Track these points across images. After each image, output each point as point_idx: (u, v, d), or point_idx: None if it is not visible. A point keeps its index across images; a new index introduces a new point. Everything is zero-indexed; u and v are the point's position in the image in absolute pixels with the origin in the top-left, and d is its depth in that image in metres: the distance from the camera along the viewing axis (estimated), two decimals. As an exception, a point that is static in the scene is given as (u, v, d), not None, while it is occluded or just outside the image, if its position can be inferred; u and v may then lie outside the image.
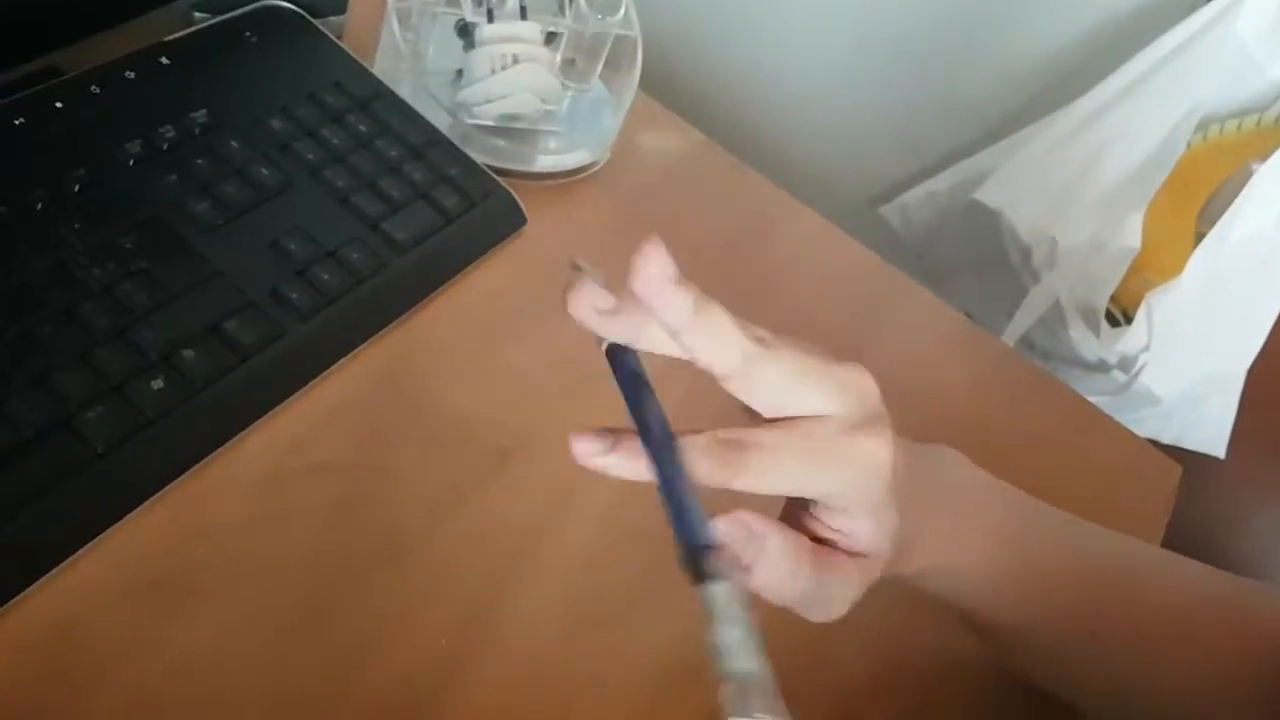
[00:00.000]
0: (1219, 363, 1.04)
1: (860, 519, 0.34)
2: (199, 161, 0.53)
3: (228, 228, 0.51)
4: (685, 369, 0.32)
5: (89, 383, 0.43)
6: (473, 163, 0.61)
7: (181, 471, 0.44)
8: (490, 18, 0.61)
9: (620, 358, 0.33)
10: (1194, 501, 0.68)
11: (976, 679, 0.51)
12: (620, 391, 0.32)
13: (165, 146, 0.53)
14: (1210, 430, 1.07)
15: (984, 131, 1.17)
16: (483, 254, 0.58)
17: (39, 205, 0.48)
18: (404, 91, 0.62)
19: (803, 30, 1.21)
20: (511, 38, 0.61)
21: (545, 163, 0.64)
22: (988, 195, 1.10)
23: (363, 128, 0.59)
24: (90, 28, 0.55)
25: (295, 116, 0.57)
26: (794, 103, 1.25)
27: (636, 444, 0.31)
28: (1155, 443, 0.69)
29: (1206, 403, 1.06)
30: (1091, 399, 0.71)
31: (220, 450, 0.45)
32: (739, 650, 0.28)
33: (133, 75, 0.55)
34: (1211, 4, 1.02)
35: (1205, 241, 0.99)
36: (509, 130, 0.63)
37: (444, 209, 0.57)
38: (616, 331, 0.32)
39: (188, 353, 0.46)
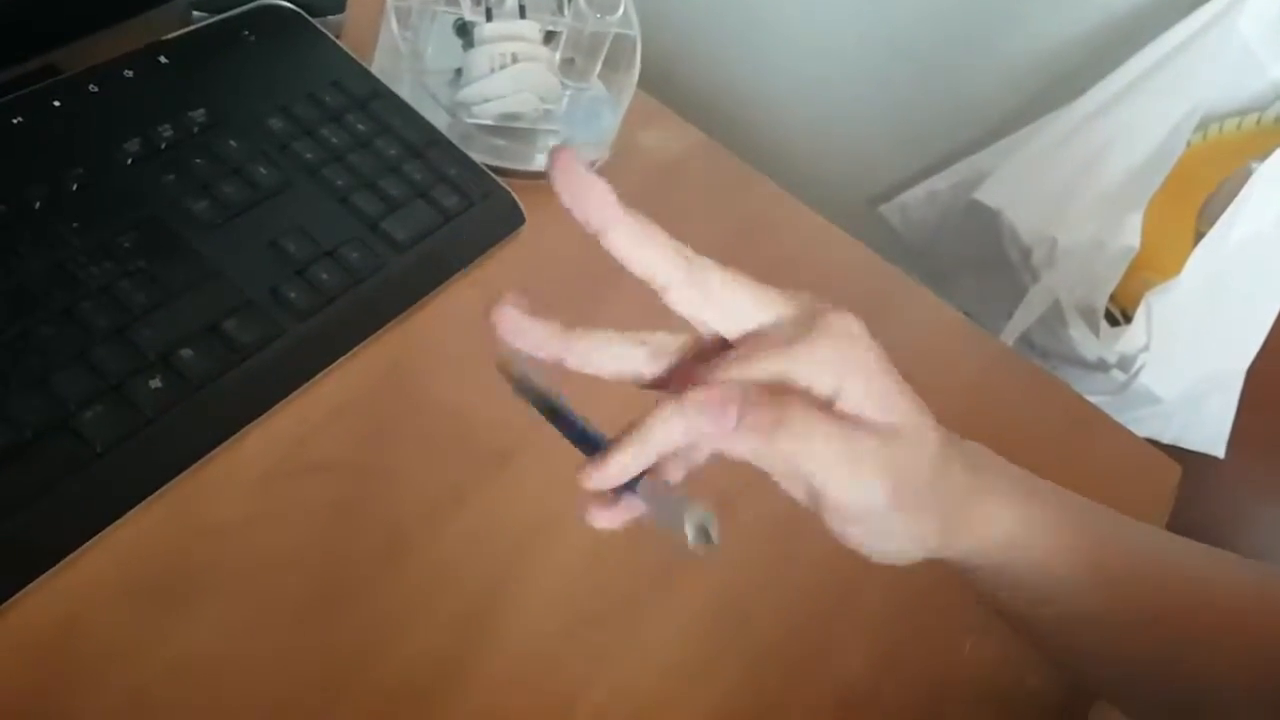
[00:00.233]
0: (1218, 362, 1.04)
1: (865, 390, 0.33)
2: (197, 161, 0.53)
3: (226, 227, 0.51)
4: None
5: (88, 382, 0.43)
6: (472, 162, 0.60)
7: (180, 471, 0.44)
8: (489, 16, 0.61)
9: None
10: (1194, 501, 0.68)
11: (977, 679, 0.51)
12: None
13: (164, 146, 0.53)
14: (1210, 430, 1.07)
15: (984, 131, 1.17)
16: (482, 253, 0.58)
17: (37, 204, 0.48)
18: (403, 91, 0.62)
19: (803, 29, 1.21)
20: (510, 36, 0.61)
21: (544, 162, 0.64)
22: (988, 195, 1.10)
23: (362, 127, 0.58)
24: (89, 27, 0.55)
25: (294, 116, 0.57)
26: (794, 102, 1.25)
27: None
28: (1155, 442, 0.69)
29: (1206, 402, 1.06)
30: (1091, 398, 0.71)
31: (219, 449, 0.45)
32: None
33: (131, 74, 0.55)
34: (1212, 2, 1.02)
35: (1205, 241, 0.99)
36: (508, 129, 0.63)
37: (443, 208, 0.57)
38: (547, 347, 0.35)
39: (186, 352, 0.46)
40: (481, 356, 0.55)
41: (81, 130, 0.52)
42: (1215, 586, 0.42)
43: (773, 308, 0.33)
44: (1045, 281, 1.06)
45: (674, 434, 0.32)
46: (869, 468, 0.33)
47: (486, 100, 0.62)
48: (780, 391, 0.32)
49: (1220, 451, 1.07)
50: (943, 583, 0.41)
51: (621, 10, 0.65)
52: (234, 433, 0.46)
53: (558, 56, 0.65)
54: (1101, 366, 1.03)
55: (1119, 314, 1.06)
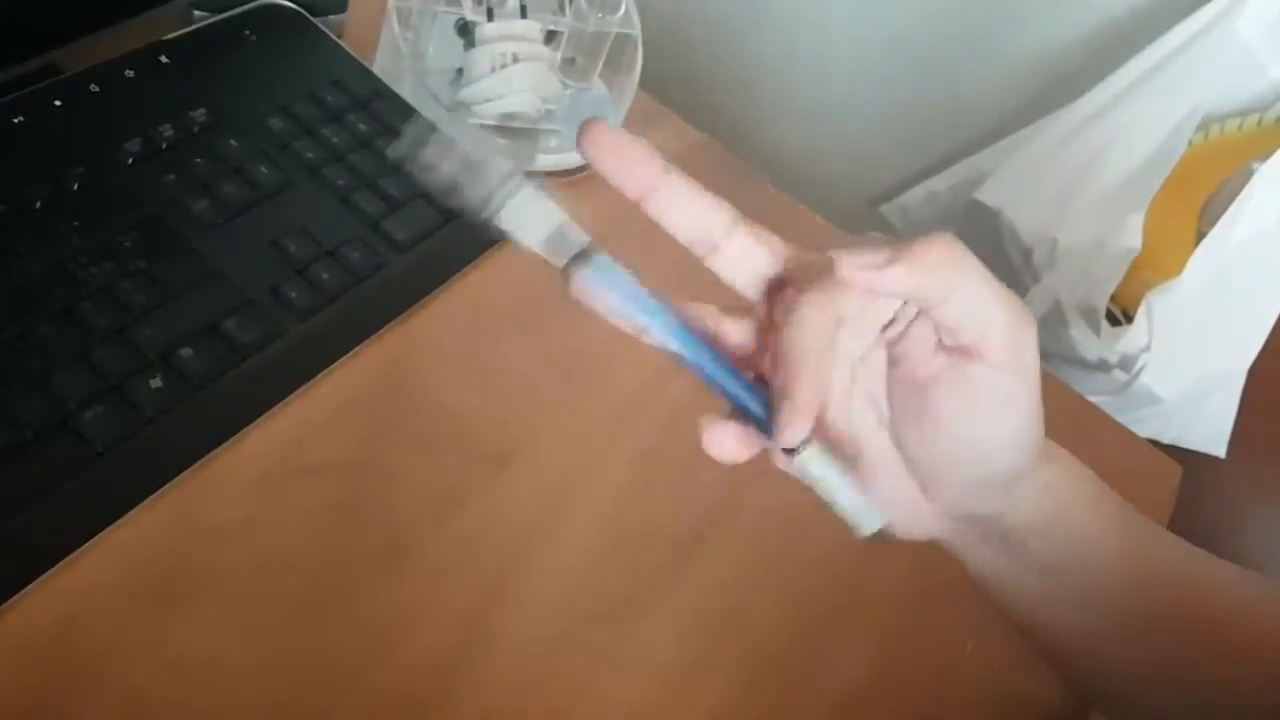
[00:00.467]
0: (1220, 362, 1.04)
1: (957, 308, 0.30)
2: (198, 160, 0.53)
3: (227, 227, 0.51)
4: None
5: (88, 382, 0.43)
6: (472, 162, 0.60)
7: (180, 471, 0.44)
8: (490, 16, 0.61)
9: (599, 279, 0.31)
10: (1194, 501, 0.67)
11: (977, 679, 0.51)
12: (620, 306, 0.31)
13: (164, 145, 0.53)
14: (1211, 430, 1.07)
15: (984, 131, 1.17)
16: (482, 253, 0.58)
17: (38, 204, 0.48)
18: (404, 90, 0.62)
19: (803, 30, 1.21)
20: (511, 36, 0.61)
21: (545, 161, 0.64)
22: (988, 195, 1.10)
23: (362, 127, 0.58)
24: (89, 26, 0.55)
25: (295, 115, 0.57)
26: (794, 102, 1.25)
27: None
28: (1156, 442, 0.69)
29: (1207, 402, 1.06)
30: (1092, 399, 0.71)
31: (219, 450, 0.45)
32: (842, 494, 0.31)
33: (132, 74, 0.55)
34: (1213, 3, 1.02)
35: (1206, 241, 0.99)
36: (509, 129, 0.63)
37: (443, 208, 0.57)
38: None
39: (186, 352, 0.46)
40: (483, 357, 0.55)
41: (82, 130, 0.52)
42: (1231, 597, 0.42)
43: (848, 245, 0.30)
44: (1046, 282, 1.06)
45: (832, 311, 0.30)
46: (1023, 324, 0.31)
47: (487, 100, 0.62)
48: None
49: (1221, 451, 1.07)
50: (942, 583, 0.41)
51: (623, 10, 0.65)
52: (234, 433, 0.46)
53: (559, 56, 0.65)
54: (1102, 367, 1.03)
55: (1120, 314, 1.06)
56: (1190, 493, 0.67)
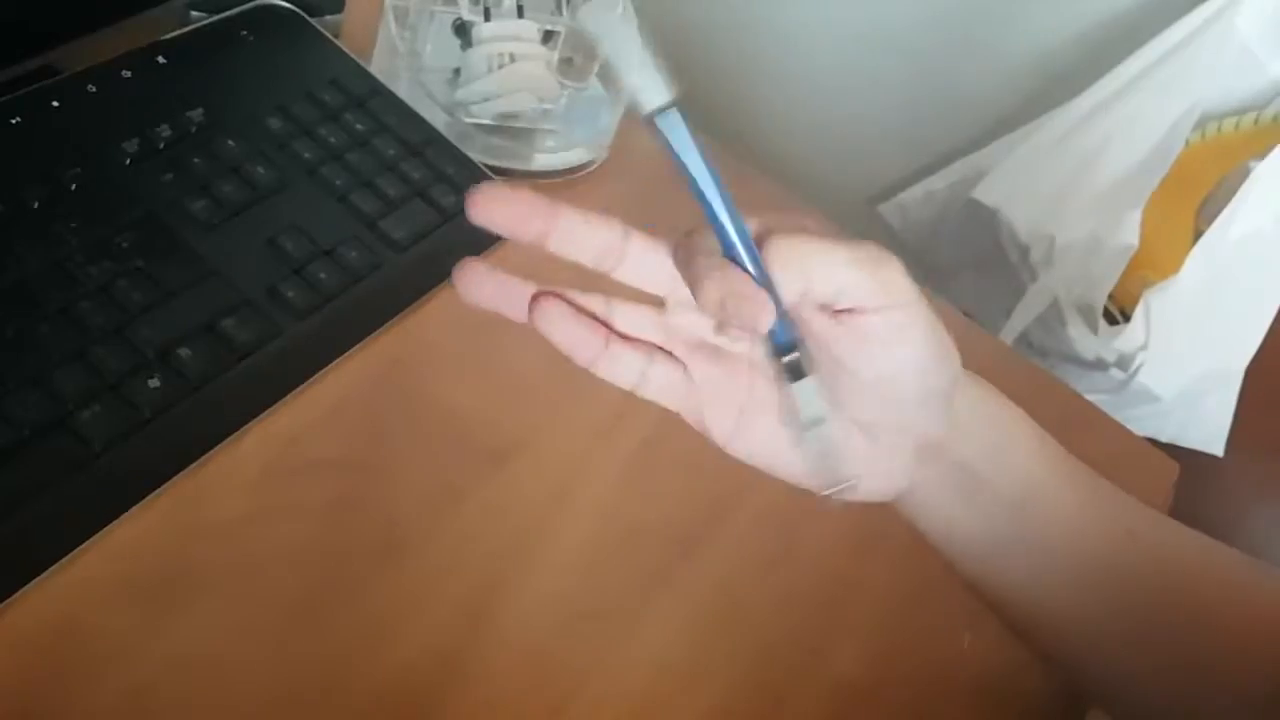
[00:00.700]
0: (1217, 361, 1.04)
1: (820, 278, 0.32)
2: (196, 160, 0.53)
3: (224, 226, 0.51)
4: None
5: (86, 381, 0.43)
6: (470, 161, 0.60)
7: (178, 470, 0.44)
8: (487, 16, 0.61)
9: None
10: (1192, 500, 0.68)
11: (975, 677, 0.51)
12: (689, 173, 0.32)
13: (162, 145, 0.53)
14: (1208, 428, 1.08)
15: (982, 129, 1.17)
16: (480, 253, 0.57)
17: (35, 204, 0.48)
18: (401, 90, 0.62)
19: (801, 28, 1.21)
20: (509, 36, 0.61)
21: (542, 161, 0.64)
22: (986, 193, 1.10)
23: (360, 126, 0.58)
24: (87, 26, 0.55)
25: (292, 115, 0.57)
26: (792, 101, 1.25)
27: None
28: (1153, 441, 0.69)
29: (1205, 401, 1.06)
30: (1089, 397, 0.71)
31: (217, 449, 0.45)
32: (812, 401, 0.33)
33: (129, 74, 0.55)
34: (1210, 1, 1.02)
35: (1203, 239, 0.99)
36: (506, 129, 0.63)
37: (441, 207, 0.57)
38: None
39: (184, 351, 0.46)
40: (480, 356, 0.55)
41: (80, 130, 0.52)
42: (1206, 575, 0.42)
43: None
44: (1044, 280, 1.06)
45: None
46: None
47: (484, 99, 0.62)
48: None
49: (1219, 450, 1.08)
50: (939, 579, 0.41)
51: (620, 10, 0.65)
52: (232, 432, 0.46)
53: (556, 56, 0.65)
54: (1100, 365, 1.03)
55: (1117, 312, 1.07)
56: (1188, 491, 0.67)
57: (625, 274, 0.34)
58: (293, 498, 0.46)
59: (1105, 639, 0.41)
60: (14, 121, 0.50)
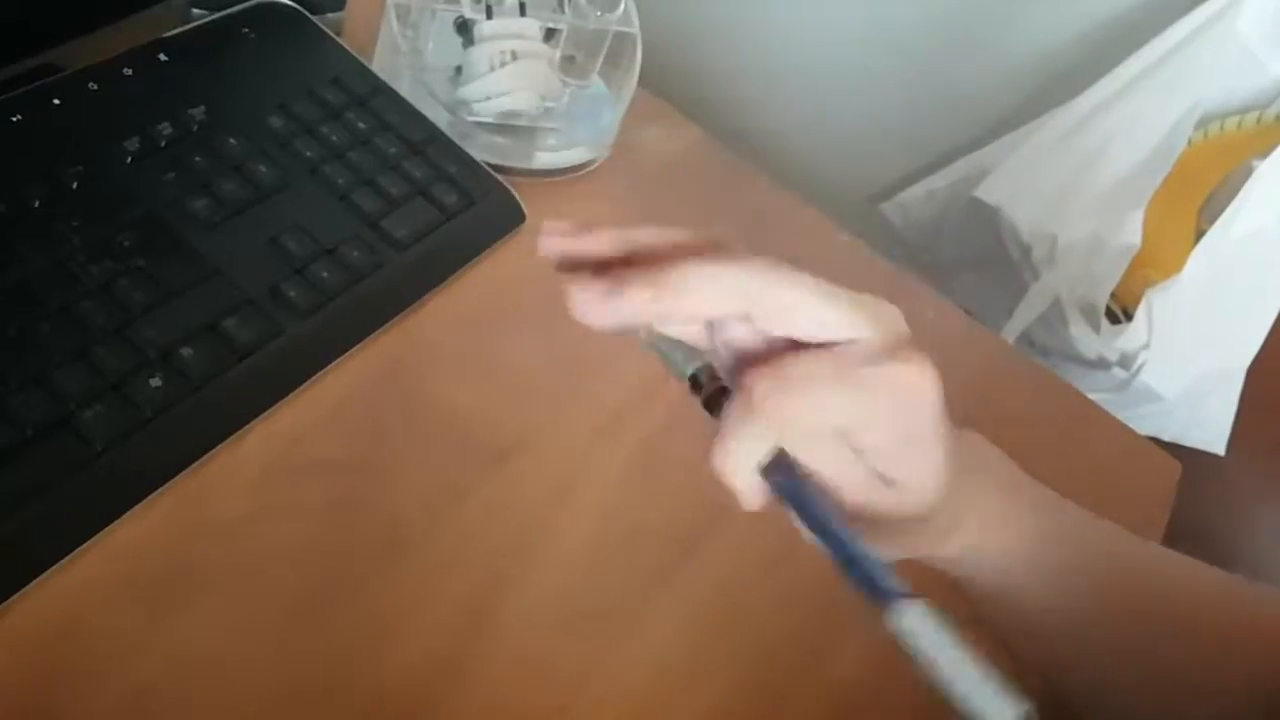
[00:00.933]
0: (1219, 360, 1.04)
1: (901, 454, 0.32)
2: (197, 159, 0.53)
3: (226, 225, 0.51)
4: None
5: (88, 381, 0.43)
6: (472, 160, 0.60)
7: (180, 469, 0.44)
8: (489, 14, 0.61)
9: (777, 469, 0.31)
10: (1194, 499, 0.68)
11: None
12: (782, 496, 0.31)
13: (163, 144, 0.53)
14: (1210, 427, 1.08)
15: (984, 129, 1.17)
16: (481, 252, 0.58)
17: (37, 203, 0.48)
18: (403, 88, 0.62)
19: (802, 27, 1.21)
20: (511, 34, 0.61)
21: (544, 160, 0.64)
22: (988, 192, 1.10)
23: (361, 125, 0.58)
24: (88, 24, 0.54)
25: (294, 113, 0.57)
26: (794, 100, 1.25)
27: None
28: (1155, 440, 0.69)
29: (1207, 400, 1.06)
30: (1092, 396, 0.71)
31: (219, 448, 0.45)
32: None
33: (131, 72, 0.55)
34: (1212, 1, 1.02)
35: (1205, 239, 0.99)
36: (508, 127, 0.63)
37: (443, 206, 0.57)
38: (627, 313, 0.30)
39: (186, 350, 0.46)
40: (482, 355, 0.55)
41: (81, 128, 0.51)
42: (1186, 590, 0.42)
43: (851, 326, 0.30)
44: (1046, 279, 1.06)
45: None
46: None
47: (486, 98, 0.62)
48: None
49: (1221, 449, 1.08)
50: (941, 580, 0.41)
51: (622, 8, 0.65)
52: (234, 431, 0.46)
53: (558, 54, 0.65)
54: (1102, 364, 1.03)
55: (1120, 312, 1.07)
56: (1190, 490, 0.67)
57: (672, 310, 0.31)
58: (294, 497, 0.46)
59: (1089, 650, 0.42)
60: (15, 120, 0.50)
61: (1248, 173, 0.99)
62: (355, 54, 0.62)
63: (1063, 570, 0.41)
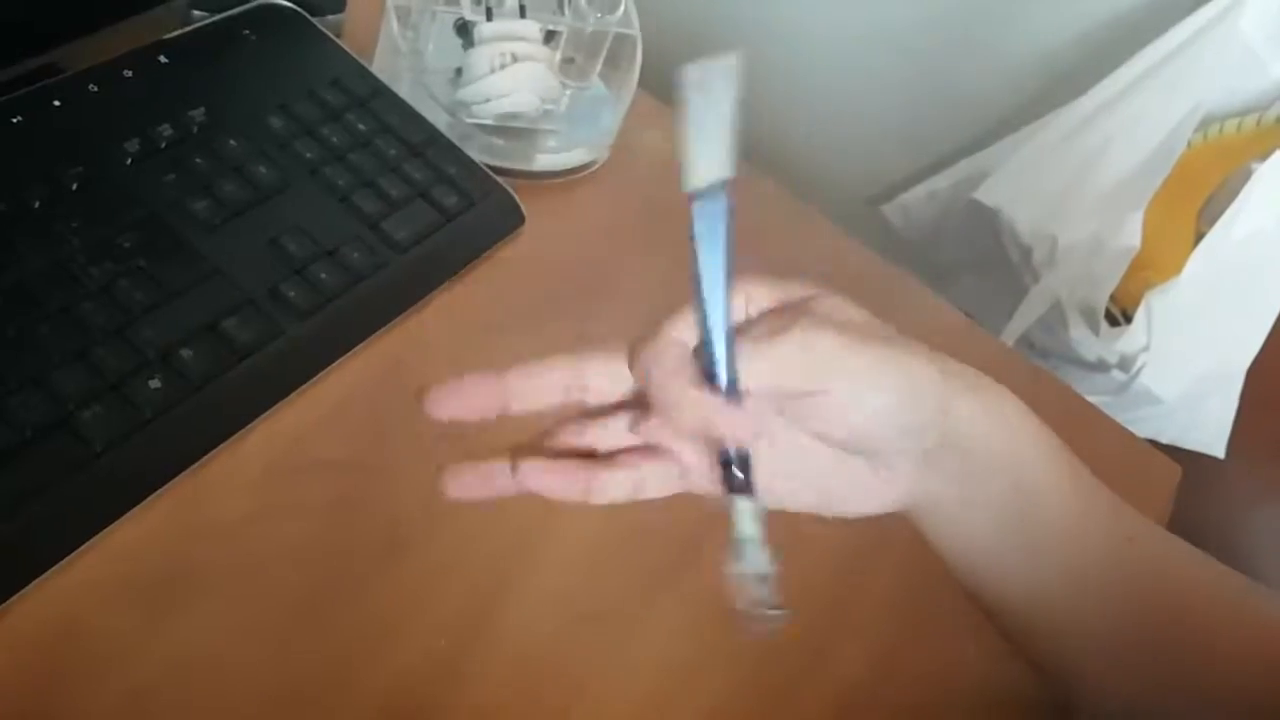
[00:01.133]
0: (1219, 362, 1.04)
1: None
2: (197, 160, 0.53)
3: (226, 226, 0.51)
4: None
5: (87, 381, 0.43)
6: (471, 162, 0.60)
7: (180, 470, 0.44)
8: (489, 16, 0.61)
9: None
10: (1193, 502, 0.67)
11: (976, 679, 0.51)
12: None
13: (164, 145, 0.53)
14: (1210, 430, 1.07)
15: (984, 130, 1.17)
16: (481, 253, 0.58)
17: (37, 204, 0.48)
18: (403, 90, 0.62)
19: (803, 28, 1.21)
20: (510, 36, 0.61)
21: (544, 161, 0.64)
22: (988, 194, 1.10)
23: (362, 126, 0.58)
24: (89, 26, 0.55)
25: (294, 115, 0.57)
26: (794, 101, 1.25)
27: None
28: (1155, 443, 0.69)
29: (1206, 402, 1.06)
30: (1091, 399, 0.71)
31: (219, 449, 0.45)
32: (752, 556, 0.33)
33: (131, 73, 0.55)
34: (1213, 2, 1.02)
35: (1205, 241, 0.99)
36: (508, 129, 0.63)
37: (443, 208, 0.57)
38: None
39: (186, 351, 0.46)
40: (482, 356, 0.55)
41: (81, 129, 0.52)
42: (1215, 593, 0.42)
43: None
44: (1046, 281, 1.06)
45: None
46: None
47: (486, 100, 0.62)
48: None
49: (1220, 452, 1.07)
50: (941, 581, 0.41)
51: (622, 9, 0.65)
52: (234, 432, 0.46)
53: (558, 56, 0.65)
54: (1102, 367, 1.03)
55: (1119, 314, 1.06)
56: (1189, 493, 0.67)
57: (595, 395, 0.35)
58: (294, 498, 0.46)
59: (1099, 649, 0.41)
60: (15, 121, 0.50)
61: (1248, 175, 0.99)
62: (355, 56, 0.62)
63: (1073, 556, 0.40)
